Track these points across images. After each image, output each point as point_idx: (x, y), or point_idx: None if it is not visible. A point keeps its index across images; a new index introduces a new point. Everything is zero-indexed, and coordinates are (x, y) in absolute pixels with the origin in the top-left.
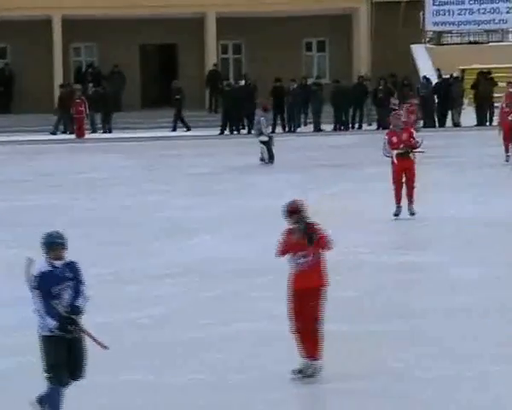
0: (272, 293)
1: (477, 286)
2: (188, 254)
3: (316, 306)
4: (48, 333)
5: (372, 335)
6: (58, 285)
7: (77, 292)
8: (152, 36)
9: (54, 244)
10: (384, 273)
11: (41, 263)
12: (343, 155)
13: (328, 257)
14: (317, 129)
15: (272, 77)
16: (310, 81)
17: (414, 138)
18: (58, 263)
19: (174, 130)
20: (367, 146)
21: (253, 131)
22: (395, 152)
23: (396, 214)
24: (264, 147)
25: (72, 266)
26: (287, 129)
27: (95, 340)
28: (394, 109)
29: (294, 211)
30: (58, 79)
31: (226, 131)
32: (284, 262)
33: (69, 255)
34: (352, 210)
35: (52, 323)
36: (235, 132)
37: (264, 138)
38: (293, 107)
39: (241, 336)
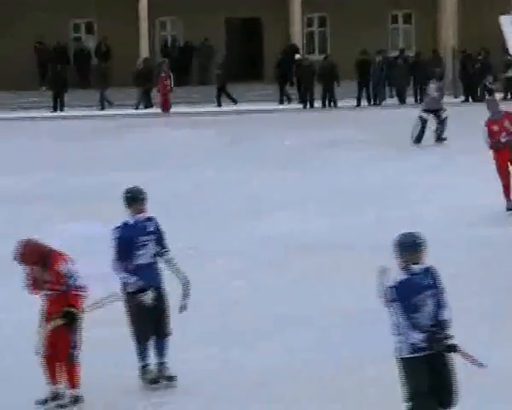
0: (354, 271)
1: None
2: (270, 229)
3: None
4: (409, 354)
5: None
6: (419, 295)
7: (440, 303)
8: (236, 10)
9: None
10: None
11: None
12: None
13: None
14: (402, 101)
15: (357, 50)
16: (395, 54)
17: None
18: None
19: (219, 105)
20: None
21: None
22: (504, 139)
23: (509, 209)
24: (420, 123)
25: (431, 272)
26: (372, 102)
27: (470, 359)
28: (489, 89)
29: None
30: (144, 53)
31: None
32: (368, 239)
33: (181, 233)
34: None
35: (418, 336)
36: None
37: (426, 115)
38: (378, 79)
39: (323, 313)
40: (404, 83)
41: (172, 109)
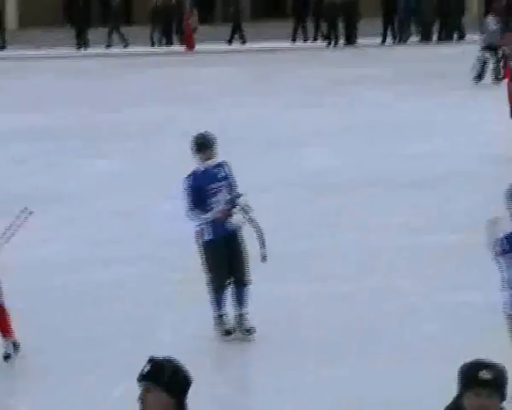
0: (380, 206)
1: None
2: (296, 166)
3: None
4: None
5: None
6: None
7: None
8: None
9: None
10: None
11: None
12: (452, 66)
13: None
14: (426, 38)
15: None
16: None
17: None
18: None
19: (230, 42)
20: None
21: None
22: None
23: None
24: (482, 60)
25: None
26: (397, 39)
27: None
28: None
29: None
30: None
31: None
32: (391, 174)
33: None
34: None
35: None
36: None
37: (485, 54)
38: (404, 15)
39: (348, 246)
40: (431, 19)
41: (197, 47)
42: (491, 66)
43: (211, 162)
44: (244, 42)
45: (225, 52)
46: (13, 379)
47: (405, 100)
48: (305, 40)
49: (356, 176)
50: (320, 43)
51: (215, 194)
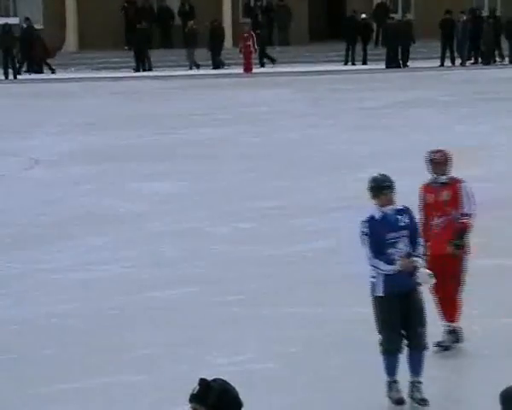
0: None
1: None
2: (352, 188)
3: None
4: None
5: None
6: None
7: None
8: None
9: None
10: None
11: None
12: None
13: None
14: (487, 62)
15: (442, 10)
16: (483, 13)
17: None
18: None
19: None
20: None
21: None
22: None
23: None
24: None
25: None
26: (456, 62)
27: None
28: None
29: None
30: (227, 13)
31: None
32: None
33: (266, 191)
34: None
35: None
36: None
37: None
38: (463, 39)
39: None
40: (491, 43)
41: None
42: None
43: (390, 207)
44: (274, 61)
45: (281, 74)
46: (71, 400)
47: (463, 123)
48: (354, 63)
49: (408, 198)
50: (370, 65)
51: (394, 243)
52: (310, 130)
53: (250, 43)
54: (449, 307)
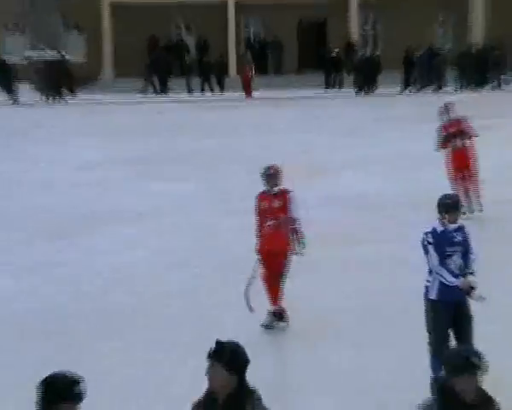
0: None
1: None
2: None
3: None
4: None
5: None
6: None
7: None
8: (307, 14)
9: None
10: None
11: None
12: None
13: None
14: (440, 87)
15: (405, 46)
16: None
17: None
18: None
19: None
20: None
21: None
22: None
23: None
24: None
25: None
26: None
27: None
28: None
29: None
30: (232, 47)
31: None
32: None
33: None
34: None
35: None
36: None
37: None
38: (421, 71)
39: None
40: (443, 73)
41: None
42: None
43: (452, 225)
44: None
45: (275, 98)
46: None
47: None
48: (327, 88)
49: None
50: (345, 91)
51: (449, 257)
52: (305, 139)
53: (250, 73)
54: (273, 293)
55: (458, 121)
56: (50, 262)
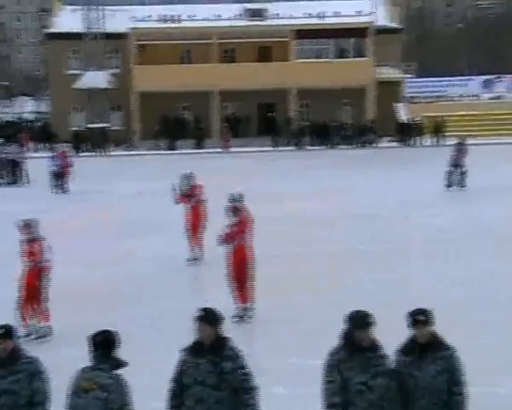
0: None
1: None
2: (290, 209)
3: None
4: None
5: None
6: None
7: None
8: (263, 99)
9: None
10: None
11: None
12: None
13: None
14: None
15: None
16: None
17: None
18: None
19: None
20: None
21: None
22: None
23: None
24: None
25: None
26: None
27: None
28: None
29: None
30: (216, 121)
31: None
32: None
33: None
34: None
35: None
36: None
37: None
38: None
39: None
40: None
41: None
42: None
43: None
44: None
45: (243, 152)
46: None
47: (343, 174)
48: (274, 147)
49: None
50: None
51: None
52: (269, 180)
53: (228, 136)
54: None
55: (196, 187)
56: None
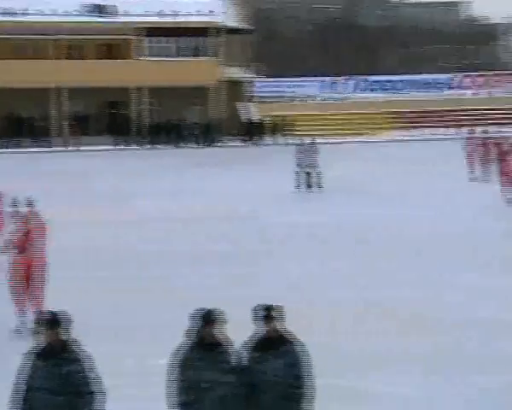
0: None
1: None
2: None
3: None
4: None
5: None
6: None
7: None
8: (108, 97)
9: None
10: None
11: None
12: None
13: None
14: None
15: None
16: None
17: None
18: None
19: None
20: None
21: None
22: None
23: None
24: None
25: None
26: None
27: None
28: None
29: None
30: (57, 121)
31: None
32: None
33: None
34: None
35: None
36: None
37: None
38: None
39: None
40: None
41: None
42: None
43: None
44: None
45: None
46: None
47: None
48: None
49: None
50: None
51: None
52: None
53: (76, 135)
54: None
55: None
56: None
